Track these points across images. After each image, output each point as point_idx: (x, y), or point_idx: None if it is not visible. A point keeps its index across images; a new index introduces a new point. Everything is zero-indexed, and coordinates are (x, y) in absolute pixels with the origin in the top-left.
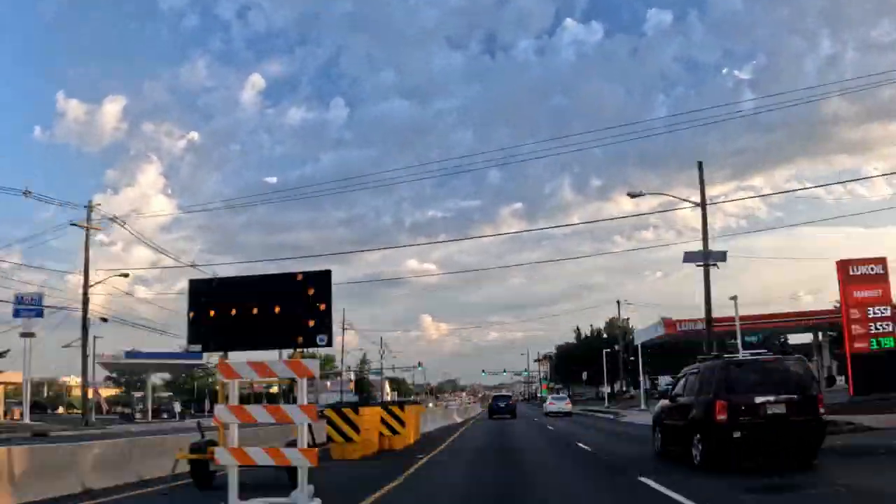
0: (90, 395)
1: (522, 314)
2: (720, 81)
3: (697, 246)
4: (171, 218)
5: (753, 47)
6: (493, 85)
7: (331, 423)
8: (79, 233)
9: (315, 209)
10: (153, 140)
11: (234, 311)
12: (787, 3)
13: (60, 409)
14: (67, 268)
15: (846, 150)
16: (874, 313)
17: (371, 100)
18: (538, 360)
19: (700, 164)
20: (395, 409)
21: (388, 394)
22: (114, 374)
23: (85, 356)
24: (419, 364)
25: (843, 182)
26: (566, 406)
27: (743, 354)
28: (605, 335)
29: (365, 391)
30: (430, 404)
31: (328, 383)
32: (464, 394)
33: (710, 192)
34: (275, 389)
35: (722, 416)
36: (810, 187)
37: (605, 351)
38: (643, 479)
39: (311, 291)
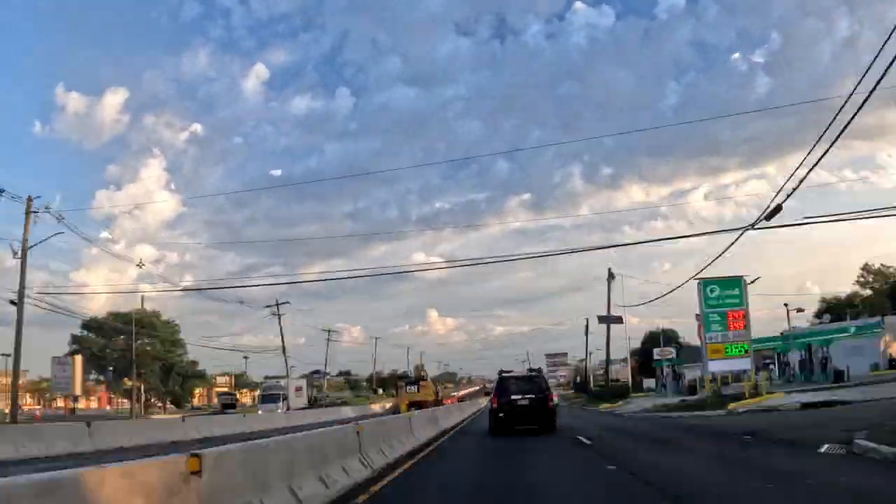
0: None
1: (528, 308)
2: (732, 67)
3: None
4: (175, 213)
5: (767, 29)
6: (502, 72)
7: None
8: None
9: (320, 202)
10: (154, 133)
11: None
12: None
13: None
14: (69, 268)
15: (861, 136)
16: None
17: (376, 88)
18: None
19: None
20: None
21: None
22: None
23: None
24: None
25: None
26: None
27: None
28: None
29: None
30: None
31: None
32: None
33: (723, 179)
34: None
35: (495, 406)
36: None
37: None
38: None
39: None
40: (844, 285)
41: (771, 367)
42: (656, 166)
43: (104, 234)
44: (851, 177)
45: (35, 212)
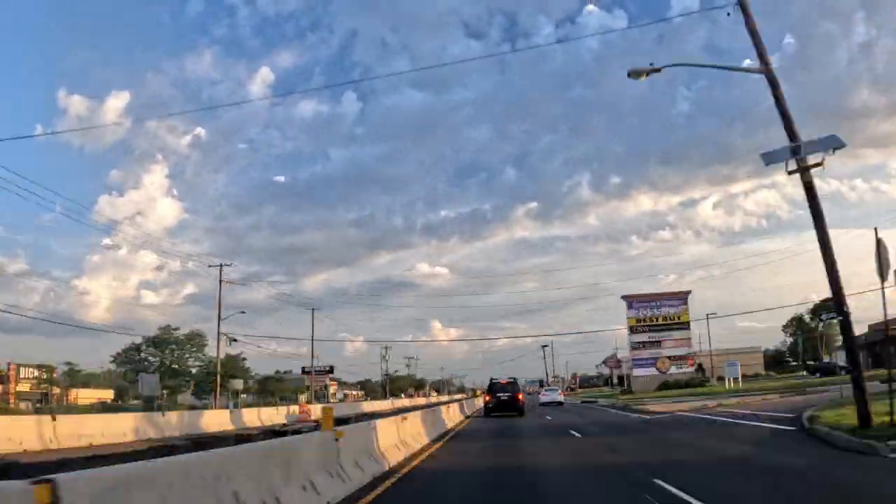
0: None
1: (533, 319)
2: (745, 72)
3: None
4: (177, 220)
5: (783, 33)
6: (512, 76)
7: None
8: (83, 240)
9: (325, 209)
10: (156, 138)
11: None
12: None
13: None
14: (72, 274)
15: (873, 144)
16: None
17: (384, 92)
18: None
19: None
20: None
21: None
22: None
23: None
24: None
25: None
26: (559, 396)
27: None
28: None
29: None
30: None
31: None
32: (435, 393)
33: (733, 188)
34: None
35: (487, 399)
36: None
37: None
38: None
39: None
40: None
41: None
42: (666, 175)
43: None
44: (862, 186)
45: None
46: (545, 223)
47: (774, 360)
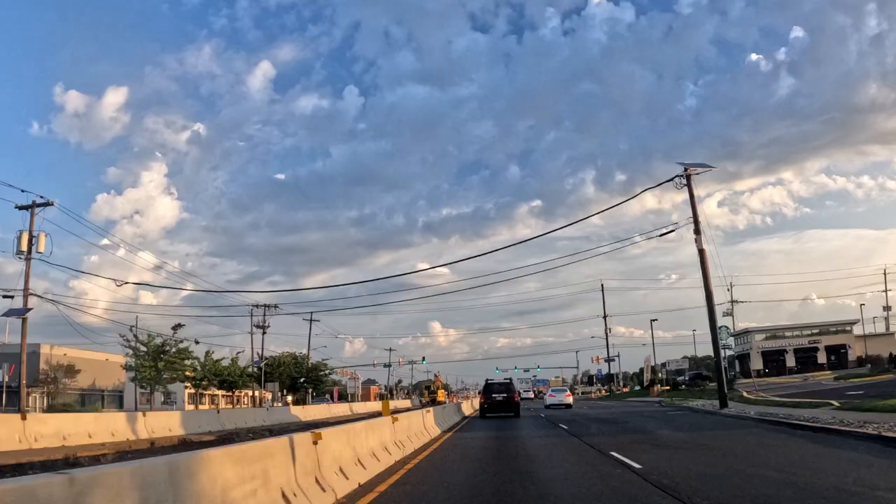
0: None
1: (534, 319)
2: (755, 66)
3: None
4: (175, 220)
5: (791, 28)
6: (518, 70)
7: None
8: (81, 239)
9: (325, 207)
10: (156, 134)
11: None
12: None
13: None
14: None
15: (879, 141)
16: None
17: (388, 87)
18: None
19: None
20: None
21: None
22: None
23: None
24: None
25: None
26: (567, 398)
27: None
28: None
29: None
30: None
31: None
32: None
33: (739, 185)
34: None
35: (482, 400)
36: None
37: None
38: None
39: None
40: None
41: None
42: (672, 172)
43: None
44: (869, 183)
45: None
46: (548, 221)
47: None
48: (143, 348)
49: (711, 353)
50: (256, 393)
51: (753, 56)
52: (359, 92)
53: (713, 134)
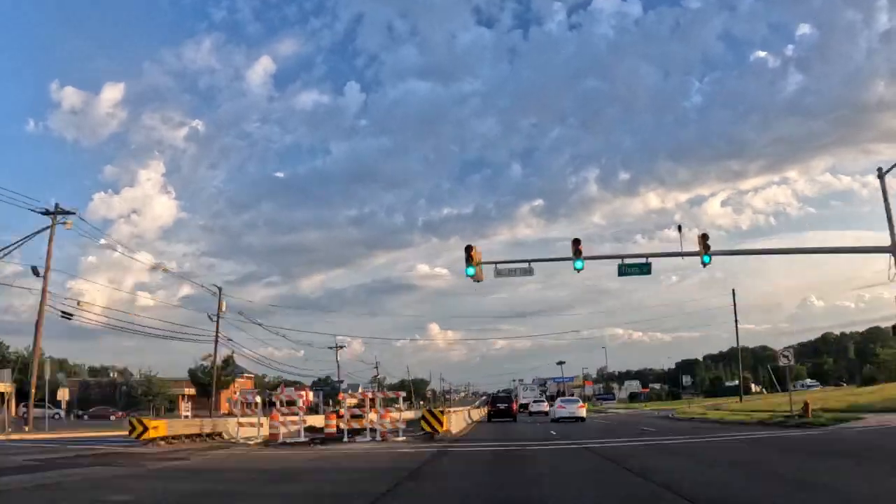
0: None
1: (531, 321)
2: (763, 62)
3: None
4: (172, 219)
5: (800, 24)
6: (523, 66)
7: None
8: (82, 240)
9: (324, 206)
10: (153, 130)
11: None
12: None
13: None
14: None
15: (885, 140)
16: None
17: (390, 82)
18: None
19: None
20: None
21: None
22: None
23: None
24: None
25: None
26: (579, 411)
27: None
28: None
29: None
30: None
31: None
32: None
33: (743, 184)
34: None
35: (490, 409)
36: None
37: None
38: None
39: None
40: None
41: None
42: (676, 170)
43: None
44: (874, 182)
45: None
46: (549, 221)
47: None
48: None
49: None
50: None
51: (761, 53)
52: (360, 88)
53: (719, 132)
